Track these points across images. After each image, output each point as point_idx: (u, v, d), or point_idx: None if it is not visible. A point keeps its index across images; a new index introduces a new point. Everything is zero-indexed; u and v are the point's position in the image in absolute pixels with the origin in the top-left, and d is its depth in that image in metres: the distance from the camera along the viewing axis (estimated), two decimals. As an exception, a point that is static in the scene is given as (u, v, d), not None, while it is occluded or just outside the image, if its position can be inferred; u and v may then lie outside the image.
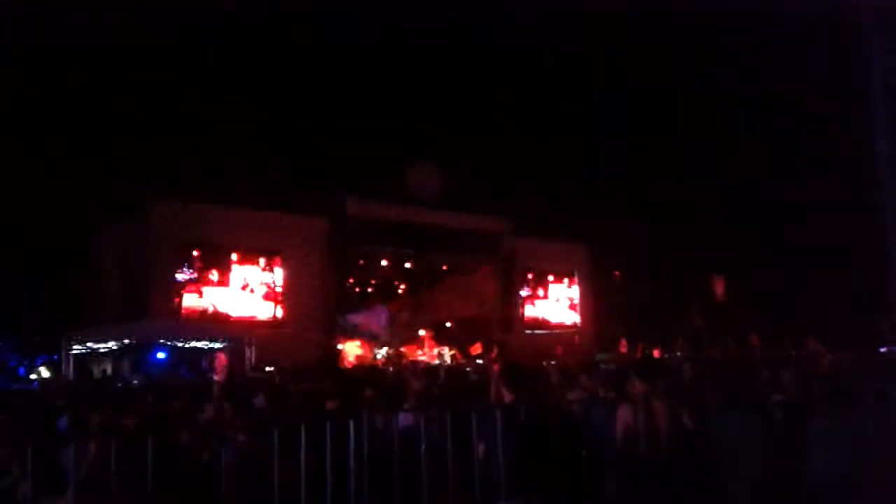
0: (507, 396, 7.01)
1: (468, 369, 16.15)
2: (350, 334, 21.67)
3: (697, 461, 5.71)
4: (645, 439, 5.86)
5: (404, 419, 6.54)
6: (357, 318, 22.10)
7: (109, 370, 17.08)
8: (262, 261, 21.31)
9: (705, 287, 24.18)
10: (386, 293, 25.57)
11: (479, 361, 20.01)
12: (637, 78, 25.47)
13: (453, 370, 16.19)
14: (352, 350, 21.32)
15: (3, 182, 19.54)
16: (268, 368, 16.47)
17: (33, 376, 16.71)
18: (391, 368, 17.52)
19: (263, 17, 22.07)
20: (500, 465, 5.99)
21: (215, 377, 13.87)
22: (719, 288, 24.43)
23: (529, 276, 27.91)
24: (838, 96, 19.21)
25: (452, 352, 21.86)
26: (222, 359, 14.84)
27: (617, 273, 29.11)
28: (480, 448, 6.16)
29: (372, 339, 21.95)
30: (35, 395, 12.69)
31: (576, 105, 26.58)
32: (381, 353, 21.67)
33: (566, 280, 29.20)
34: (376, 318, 22.03)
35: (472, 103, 25.76)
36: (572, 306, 29.30)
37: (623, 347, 20.73)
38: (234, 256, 20.76)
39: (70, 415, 7.42)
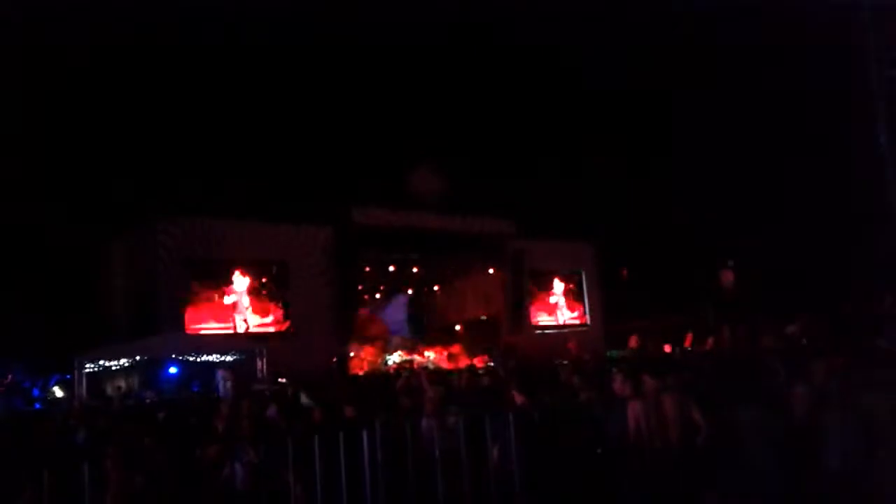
0: (519, 398, 7.03)
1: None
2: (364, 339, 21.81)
3: (709, 455, 5.71)
4: (656, 435, 5.88)
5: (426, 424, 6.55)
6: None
7: (123, 387, 17.13)
8: (269, 272, 21.34)
9: (714, 279, 24.13)
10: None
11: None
12: (637, 75, 25.48)
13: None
14: (363, 357, 21.37)
15: (11, 203, 19.70)
16: (280, 380, 16.50)
17: (48, 397, 16.78)
18: (403, 374, 17.52)
19: (266, 29, 22.20)
20: (514, 467, 6.01)
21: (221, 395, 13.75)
22: (728, 279, 24.36)
23: (536, 275, 27.88)
24: (842, 90, 19.23)
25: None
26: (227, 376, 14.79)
27: (624, 270, 29.06)
28: (495, 451, 6.18)
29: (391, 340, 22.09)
30: (50, 416, 12.72)
31: (575, 104, 26.58)
32: (392, 359, 21.71)
33: (573, 279, 29.16)
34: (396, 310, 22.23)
35: (472, 106, 25.82)
36: (580, 304, 29.26)
37: (633, 343, 20.67)
38: (241, 269, 20.80)
39: (86, 435, 7.46)
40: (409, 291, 26.38)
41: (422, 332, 24.38)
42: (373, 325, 23.97)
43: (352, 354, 21.42)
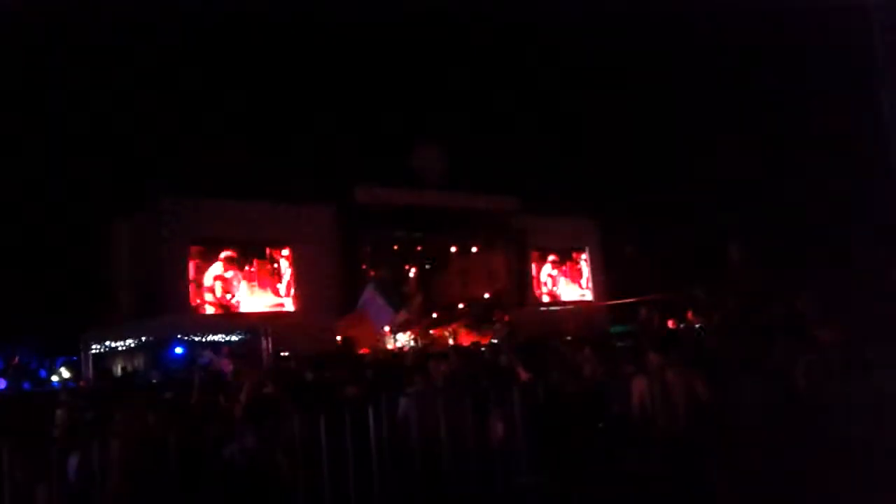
0: (523, 374, 7.04)
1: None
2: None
3: (714, 430, 5.72)
4: (661, 411, 5.88)
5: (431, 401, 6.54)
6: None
7: (129, 368, 17.22)
8: (273, 252, 21.38)
9: (719, 253, 24.10)
10: (397, 278, 25.66)
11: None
12: (641, 55, 25.27)
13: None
14: (367, 337, 21.38)
15: (16, 185, 19.71)
16: (283, 354, 16.59)
17: (54, 378, 16.87)
18: (408, 351, 17.57)
19: (264, 7, 21.99)
20: (518, 442, 6.03)
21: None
22: (734, 254, 24.32)
23: (540, 252, 27.87)
24: (845, 62, 19.07)
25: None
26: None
27: (628, 246, 29.01)
28: (499, 427, 6.20)
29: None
30: (56, 397, 12.79)
31: (580, 80, 26.38)
32: (401, 338, 21.72)
33: (577, 255, 29.14)
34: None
35: (474, 82, 25.65)
36: (584, 281, 29.26)
37: (643, 317, 20.61)
38: (245, 248, 20.83)
39: (93, 414, 7.49)
40: (413, 270, 26.35)
41: (400, 304, 23.75)
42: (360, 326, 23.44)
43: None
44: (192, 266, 19.93)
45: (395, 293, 22.69)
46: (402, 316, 23.00)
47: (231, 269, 20.62)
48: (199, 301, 19.97)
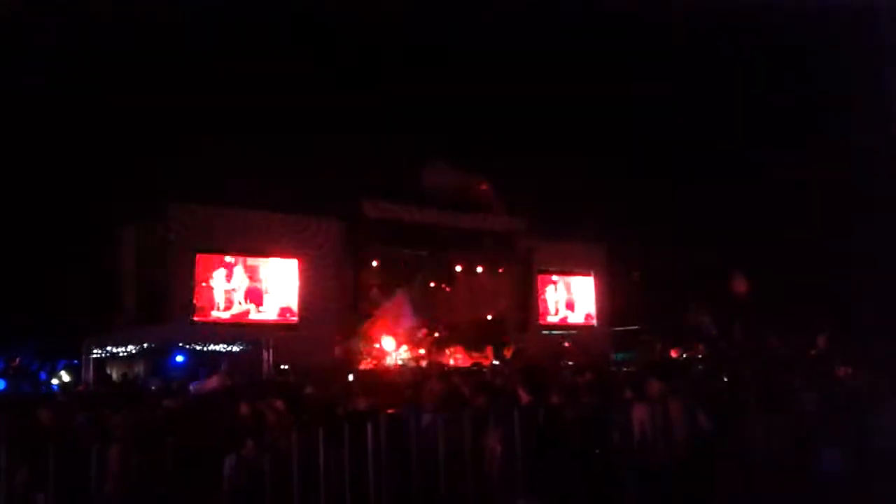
0: (524, 397, 7.01)
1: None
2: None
3: (715, 462, 5.67)
4: (662, 439, 5.84)
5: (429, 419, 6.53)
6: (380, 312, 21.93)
7: (129, 374, 17.19)
8: (278, 263, 21.38)
9: (726, 285, 24.00)
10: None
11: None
12: (648, 77, 25.37)
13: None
14: (369, 352, 21.33)
15: (23, 187, 19.82)
16: (283, 367, 16.56)
17: (54, 380, 16.84)
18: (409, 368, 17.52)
19: (277, 18, 22.19)
20: (517, 463, 5.99)
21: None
22: (741, 286, 24.21)
23: (546, 276, 27.77)
24: (854, 92, 19.11)
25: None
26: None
27: (635, 273, 28.92)
28: (497, 448, 6.17)
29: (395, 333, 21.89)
30: (55, 401, 12.77)
31: (590, 104, 26.45)
32: (400, 354, 21.63)
33: (583, 280, 29.02)
34: (398, 308, 21.85)
35: (487, 103, 25.73)
36: (589, 306, 29.13)
37: (658, 352, 20.43)
38: (250, 259, 20.85)
39: (91, 419, 7.47)
40: (418, 288, 26.25)
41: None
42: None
43: (360, 349, 21.39)
44: (198, 273, 19.92)
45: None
46: (405, 333, 22.90)
47: (234, 278, 20.61)
48: (203, 308, 19.94)
